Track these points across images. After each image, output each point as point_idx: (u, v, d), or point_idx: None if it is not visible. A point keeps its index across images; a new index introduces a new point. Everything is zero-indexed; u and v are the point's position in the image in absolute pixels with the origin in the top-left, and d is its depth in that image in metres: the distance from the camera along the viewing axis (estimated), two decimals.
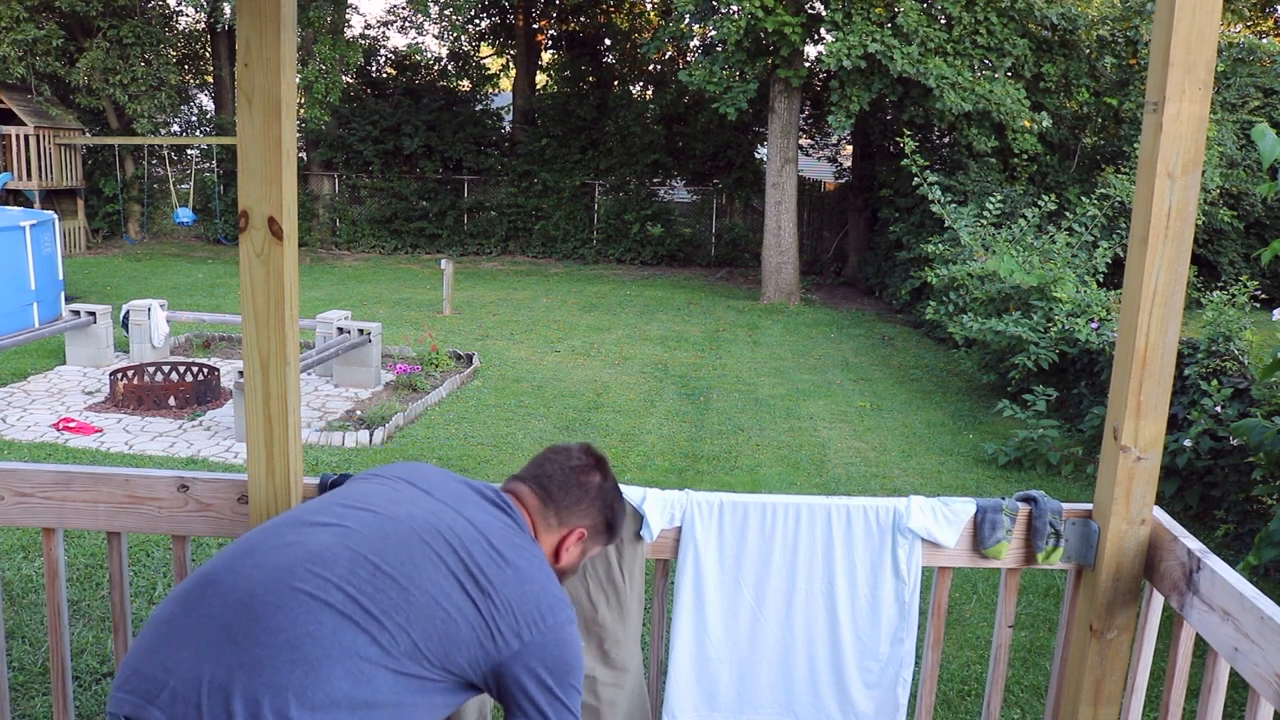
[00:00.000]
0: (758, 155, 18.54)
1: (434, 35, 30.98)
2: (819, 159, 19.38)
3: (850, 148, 18.10)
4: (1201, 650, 1.98)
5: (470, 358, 9.32)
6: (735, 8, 12.73)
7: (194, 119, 20.15)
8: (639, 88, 21.04)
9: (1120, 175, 10.96)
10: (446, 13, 18.51)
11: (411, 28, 20.86)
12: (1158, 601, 2.06)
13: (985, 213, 9.83)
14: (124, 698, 1.46)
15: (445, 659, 1.53)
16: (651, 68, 20.36)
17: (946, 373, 9.98)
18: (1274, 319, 4.95)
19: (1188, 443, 5.54)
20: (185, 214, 15.42)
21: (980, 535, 2.19)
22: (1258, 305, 7.23)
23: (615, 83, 20.26)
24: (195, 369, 7.97)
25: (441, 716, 1.63)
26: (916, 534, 2.19)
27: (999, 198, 10.06)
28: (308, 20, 16.08)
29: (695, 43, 16.89)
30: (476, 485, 1.80)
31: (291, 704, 1.39)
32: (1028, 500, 2.20)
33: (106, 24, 16.59)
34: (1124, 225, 10.59)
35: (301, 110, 16.61)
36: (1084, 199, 10.06)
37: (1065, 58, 13.15)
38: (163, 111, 17.38)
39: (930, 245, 10.17)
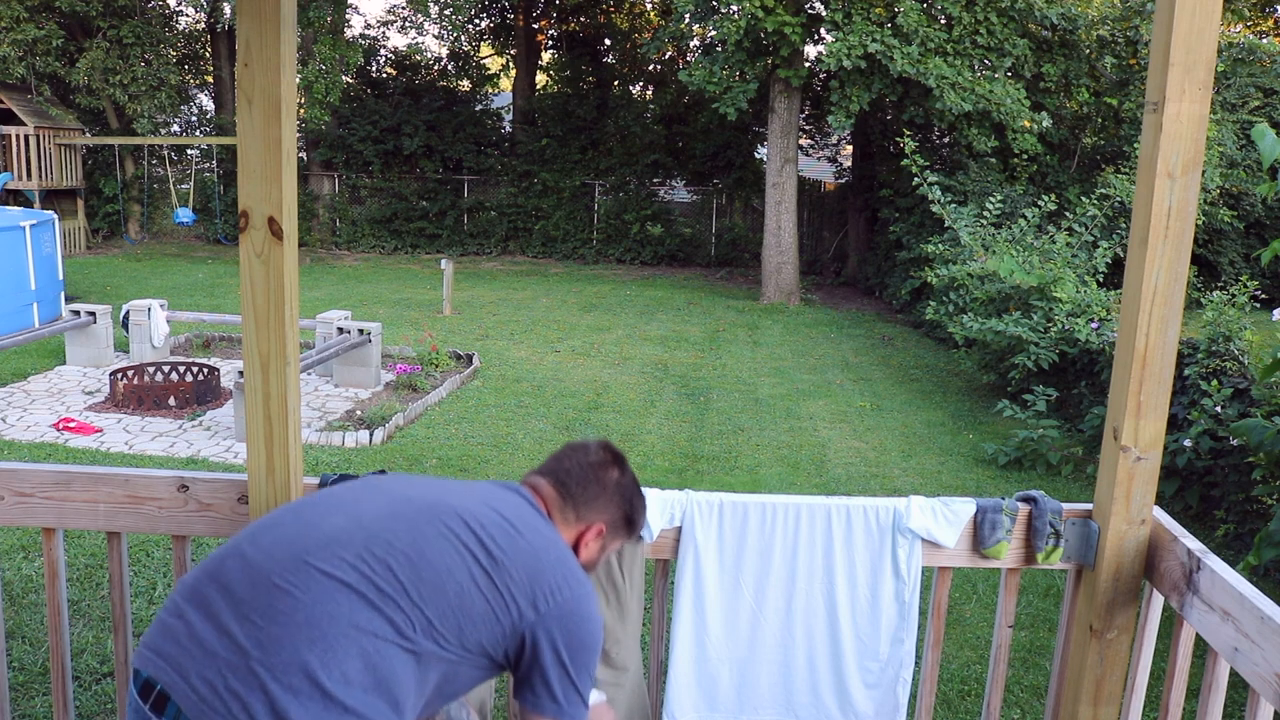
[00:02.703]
0: (758, 155, 18.54)
1: (434, 35, 31.02)
2: (819, 159, 19.38)
3: (850, 148, 18.10)
4: (1201, 650, 1.98)
5: (470, 358, 9.32)
6: (735, 8, 12.73)
7: (194, 119, 20.15)
8: (639, 88, 21.04)
9: (1120, 175, 10.96)
10: (446, 13, 18.53)
11: (411, 28, 20.85)
12: (1158, 601, 2.06)
13: (985, 213, 9.83)
14: (150, 657, 1.49)
15: (461, 635, 1.54)
16: (651, 68, 20.36)
17: (946, 373, 9.98)
18: (1274, 319, 4.95)
19: (1188, 443, 5.54)
20: (185, 214, 15.42)
21: (980, 535, 2.19)
22: (1258, 305, 7.23)
23: (615, 83, 20.26)
24: (195, 369, 7.97)
25: (464, 692, 1.64)
26: (916, 534, 2.19)
27: (999, 198, 10.06)
28: (308, 20, 16.08)
29: (695, 43, 16.90)
30: (492, 482, 1.83)
31: (306, 682, 1.41)
32: (1028, 500, 2.20)
33: (106, 24, 16.59)
34: (1124, 225, 10.59)
35: (301, 110, 16.60)
36: (1084, 199, 10.06)
37: (1065, 58, 13.14)
38: (163, 111, 17.38)
39: (930, 245, 10.17)
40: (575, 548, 1.81)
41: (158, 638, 1.50)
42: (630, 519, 1.88)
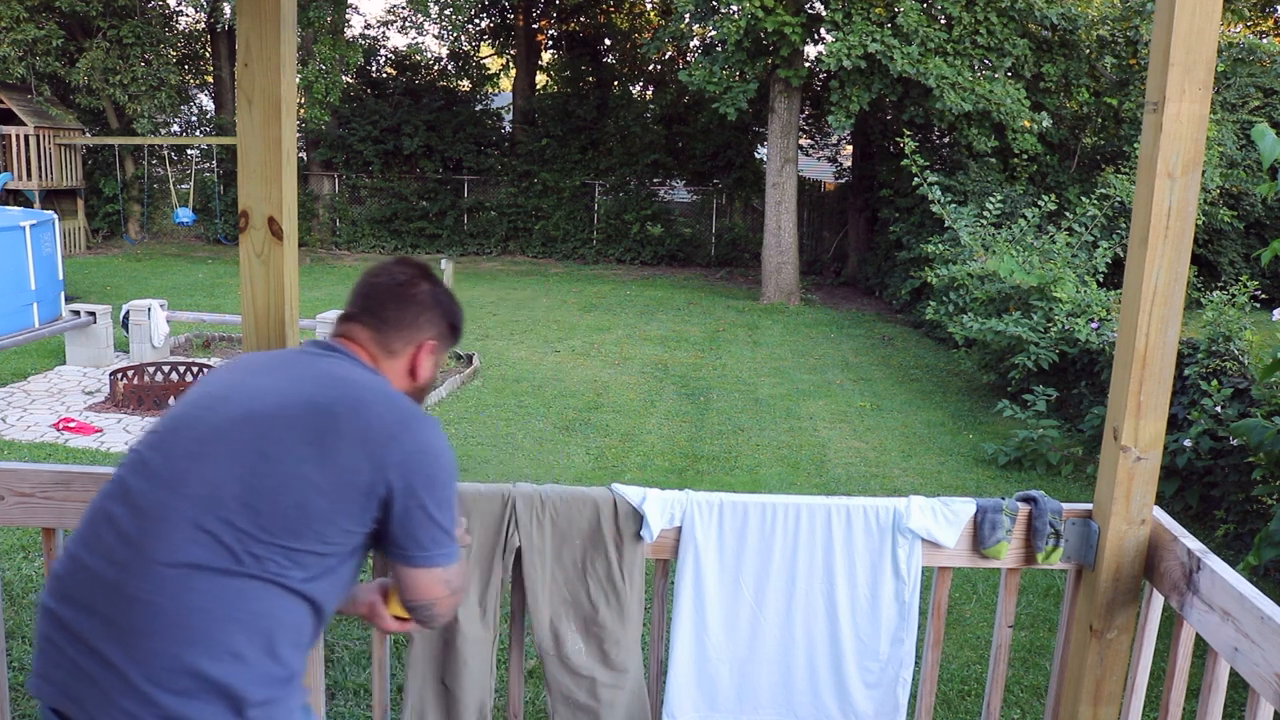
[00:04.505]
0: (758, 155, 18.54)
1: (434, 35, 31.01)
2: (819, 159, 19.38)
3: (850, 148, 18.10)
4: (1201, 650, 1.98)
5: (470, 358, 9.32)
6: (735, 8, 12.73)
7: (194, 119, 20.15)
8: (639, 88, 21.03)
9: (1120, 175, 10.96)
10: (446, 13, 18.52)
11: (411, 28, 20.86)
12: (1158, 601, 2.06)
13: (985, 213, 9.82)
14: (42, 685, 1.47)
15: (323, 540, 1.49)
16: (651, 68, 20.35)
17: (946, 373, 9.98)
18: (1274, 319, 4.95)
19: (1188, 443, 5.54)
20: (185, 214, 15.41)
21: (980, 535, 2.19)
22: (1258, 305, 7.22)
23: (615, 83, 20.26)
24: (195, 369, 7.97)
25: (353, 578, 1.61)
26: (916, 534, 2.19)
27: (999, 198, 10.06)
28: (308, 20, 16.08)
29: (695, 43, 16.90)
30: (303, 349, 1.72)
31: (194, 681, 1.40)
32: (1028, 500, 2.20)
33: (106, 24, 16.59)
34: (1124, 225, 10.58)
35: (301, 110, 16.60)
36: (1084, 199, 10.05)
37: (1065, 58, 13.14)
38: (163, 111, 17.38)
39: (930, 245, 10.17)
40: (412, 371, 1.75)
41: (44, 663, 1.47)
42: (454, 325, 1.83)
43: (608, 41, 20.62)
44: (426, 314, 1.76)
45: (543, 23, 20.95)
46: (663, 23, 16.62)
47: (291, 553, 1.47)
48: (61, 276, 10.40)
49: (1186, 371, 5.98)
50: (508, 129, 20.49)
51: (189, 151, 19.28)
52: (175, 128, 19.37)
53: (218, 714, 1.42)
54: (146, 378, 7.76)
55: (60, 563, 1.52)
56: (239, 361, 1.72)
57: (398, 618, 1.72)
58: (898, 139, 12.72)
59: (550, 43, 21.40)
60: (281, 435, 1.50)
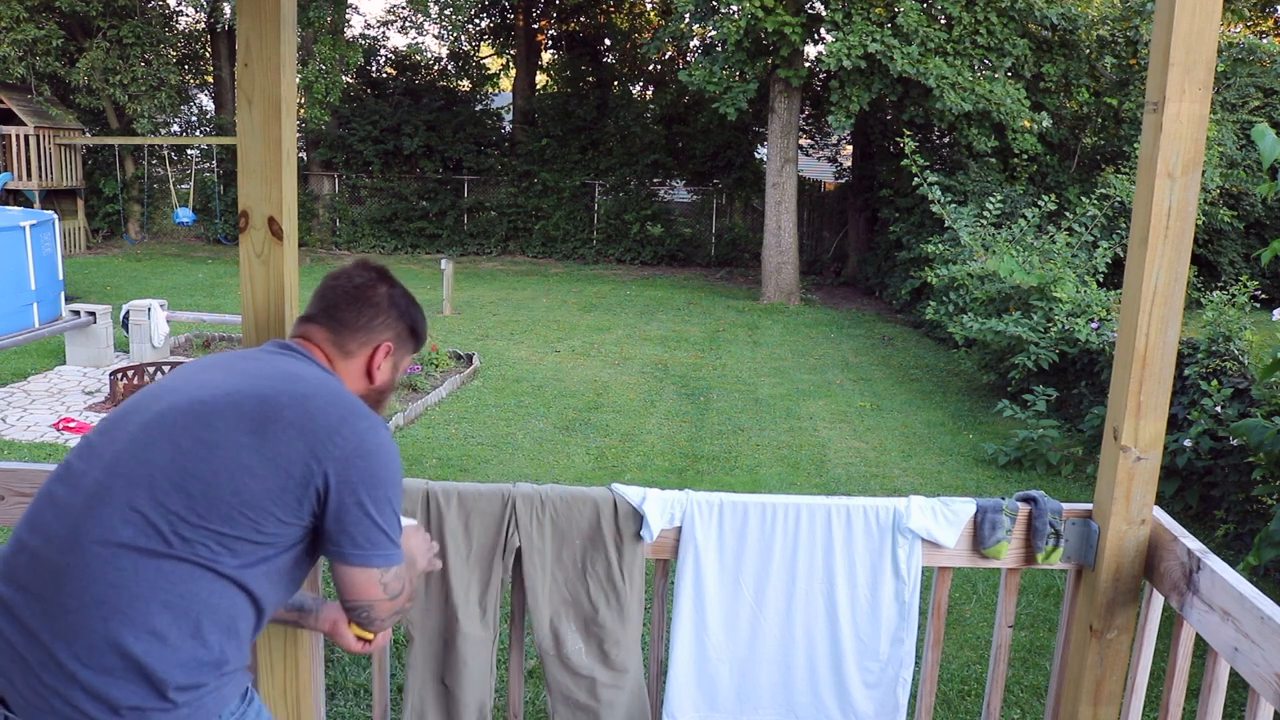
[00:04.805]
0: (758, 155, 18.55)
1: (434, 35, 31.03)
2: (819, 159, 19.38)
3: (850, 148, 18.10)
4: (1201, 650, 1.98)
5: (470, 358, 9.32)
6: (735, 8, 12.73)
7: (194, 119, 20.16)
8: (639, 88, 21.04)
9: (1120, 175, 10.96)
10: (446, 13, 18.53)
11: (411, 28, 20.87)
12: (1158, 601, 2.06)
13: (985, 213, 9.82)
14: None
15: (257, 528, 1.48)
16: (651, 68, 20.36)
17: (946, 373, 9.98)
18: (1274, 319, 4.95)
19: (1188, 443, 5.54)
20: (185, 214, 15.42)
21: (980, 535, 2.19)
22: (1258, 305, 7.22)
23: (615, 83, 20.26)
24: None
25: (300, 574, 1.60)
26: (916, 534, 2.19)
27: (999, 198, 10.06)
28: (308, 20, 16.08)
29: (695, 43, 16.90)
30: (261, 348, 1.73)
31: (117, 659, 1.41)
32: (1028, 500, 2.20)
33: (106, 24, 16.59)
34: (1124, 225, 10.59)
35: (301, 110, 16.60)
36: (1084, 199, 10.06)
37: (1065, 58, 13.14)
38: (163, 111, 17.38)
39: (930, 245, 10.17)
40: (368, 374, 1.75)
41: None
42: (414, 329, 1.83)
43: (608, 41, 20.62)
44: (383, 316, 1.77)
45: (543, 23, 20.95)
46: (663, 23, 16.62)
47: (223, 538, 1.47)
48: (61, 276, 10.41)
49: (1186, 371, 5.98)
50: (508, 129, 20.50)
51: (189, 151, 19.28)
52: (175, 128, 19.37)
53: (139, 695, 1.42)
54: (146, 378, 7.76)
55: (6, 545, 1.54)
56: (200, 360, 1.73)
57: (360, 637, 1.72)
58: (898, 139, 12.72)
59: (550, 43, 21.40)
60: (222, 423, 1.51)
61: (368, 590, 1.58)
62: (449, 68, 20.96)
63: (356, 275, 1.79)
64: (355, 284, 1.77)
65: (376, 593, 1.59)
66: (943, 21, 12.59)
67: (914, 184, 10.55)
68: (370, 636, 1.70)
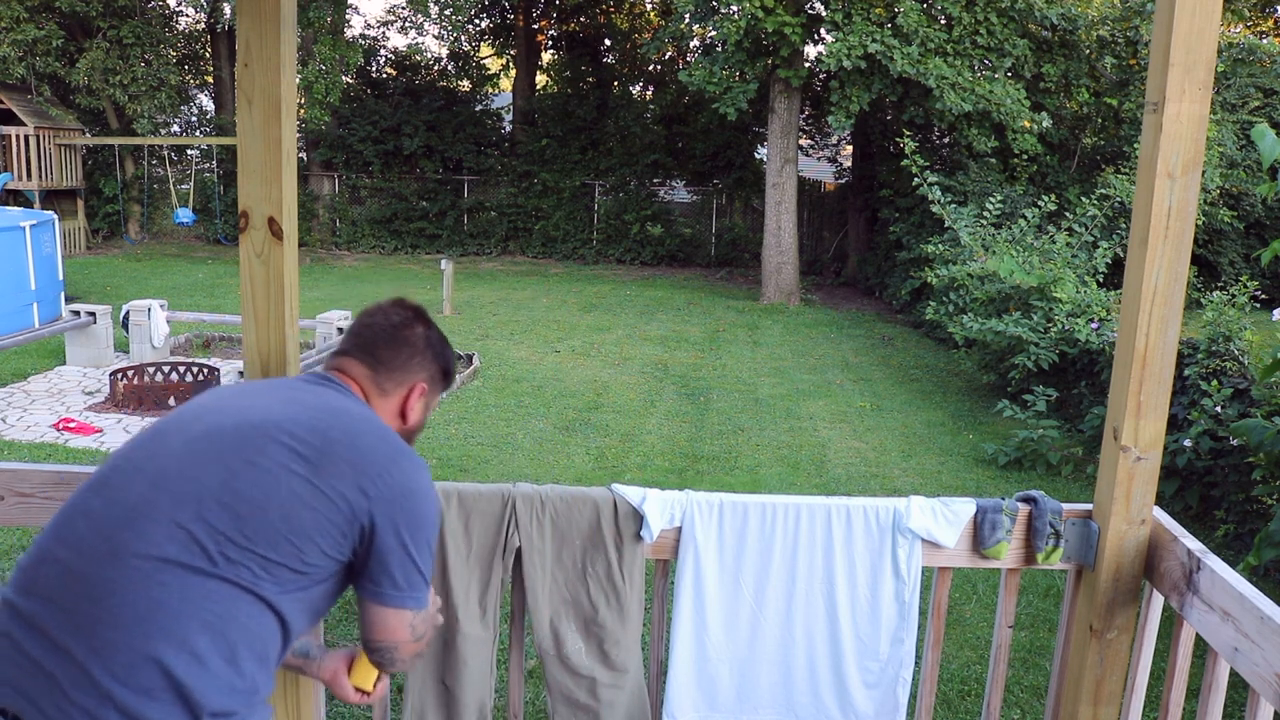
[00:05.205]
0: (758, 155, 18.55)
1: (434, 35, 31.02)
2: (819, 159, 19.38)
3: (850, 148, 18.10)
4: (1201, 650, 1.98)
5: (470, 358, 9.32)
6: (735, 8, 12.73)
7: (194, 119, 20.16)
8: (639, 88, 21.04)
9: (1120, 175, 10.96)
10: (446, 13, 18.53)
11: (411, 28, 20.87)
12: (1158, 601, 2.06)
13: (985, 213, 9.82)
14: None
15: (301, 557, 1.47)
16: (651, 68, 20.36)
17: (946, 373, 9.98)
18: (1274, 319, 4.95)
19: (1188, 443, 5.54)
20: (185, 214, 15.42)
21: (980, 535, 2.19)
22: (1258, 305, 7.22)
23: (615, 83, 20.26)
24: (195, 369, 7.97)
25: (324, 608, 1.59)
26: (916, 534, 2.19)
27: (999, 198, 10.06)
28: (308, 20, 16.08)
29: (695, 43, 16.90)
30: (299, 377, 1.73)
31: (156, 678, 1.37)
32: (1028, 500, 2.20)
33: (106, 24, 16.59)
34: (1124, 225, 10.59)
35: (301, 110, 16.60)
36: (1084, 199, 10.05)
37: (1065, 58, 13.14)
38: (163, 111, 17.38)
39: (930, 245, 10.17)
40: (402, 414, 1.76)
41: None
42: (446, 371, 1.82)
43: (608, 41, 20.62)
44: (419, 357, 1.77)
45: (543, 23, 20.95)
46: (663, 23, 16.62)
47: (267, 563, 1.45)
48: (61, 277, 10.41)
49: (1186, 371, 5.98)
50: (508, 129, 20.50)
51: (189, 151, 19.28)
52: (175, 128, 19.37)
53: (173, 718, 1.38)
54: (146, 378, 7.76)
55: (28, 556, 1.49)
56: (231, 387, 1.73)
57: (359, 689, 1.72)
58: (898, 139, 12.72)
59: (550, 43, 21.40)
60: (272, 447, 1.50)
61: (398, 632, 1.58)
62: (449, 68, 20.96)
63: (394, 314, 1.78)
64: (393, 322, 1.77)
65: (405, 635, 1.59)
66: (943, 22, 12.59)
67: (914, 184, 10.55)
68: (370, 689, 1.71)
